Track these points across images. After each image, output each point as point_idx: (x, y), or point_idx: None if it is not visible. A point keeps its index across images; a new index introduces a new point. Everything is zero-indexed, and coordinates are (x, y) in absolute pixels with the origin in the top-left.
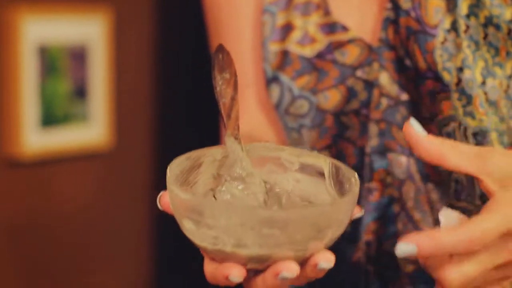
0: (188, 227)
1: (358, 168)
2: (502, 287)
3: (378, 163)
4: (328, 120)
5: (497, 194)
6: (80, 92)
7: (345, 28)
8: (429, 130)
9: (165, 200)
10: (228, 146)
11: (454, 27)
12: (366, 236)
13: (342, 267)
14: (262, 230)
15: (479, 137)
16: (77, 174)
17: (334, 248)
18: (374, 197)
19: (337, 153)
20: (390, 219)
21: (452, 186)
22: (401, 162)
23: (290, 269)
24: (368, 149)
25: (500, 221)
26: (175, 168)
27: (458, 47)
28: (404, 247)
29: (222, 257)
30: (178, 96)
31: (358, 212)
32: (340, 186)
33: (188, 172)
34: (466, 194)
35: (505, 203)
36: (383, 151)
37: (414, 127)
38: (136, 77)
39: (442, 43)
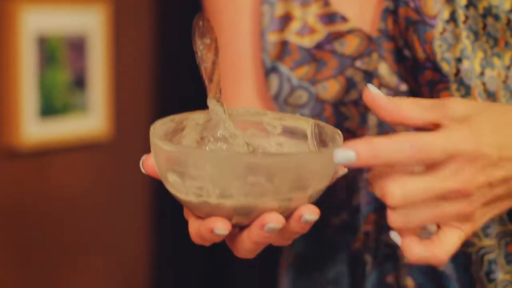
0: (172, 181)
1: None
2: (464, 232)
3: None
4: (327, 110)
5: (451, 125)
6: (79, 83)
7: (344, 19)
8: None
9: (148, 163)
10: (211, 108)
11: (453, 18)
12: (365, 226)
13: (341, 257)
14: (247, 178)
15: None
16: (76, 165)
17: (333, 237)
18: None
19: None
20: None
21: None
22: None
23: (276, 220)
24: None
25: (448, 139)
26: (158, 128)
27: (457, 38)
28: (342, 154)
29: (207, 211)
30: (177, 87)
31: (341, 170)
32: (323, 145)
33: (172, 135)
34: None
35: (456, 129)
36: None
37: (371, 90)
38: (135, 67)
39: (441, 33)
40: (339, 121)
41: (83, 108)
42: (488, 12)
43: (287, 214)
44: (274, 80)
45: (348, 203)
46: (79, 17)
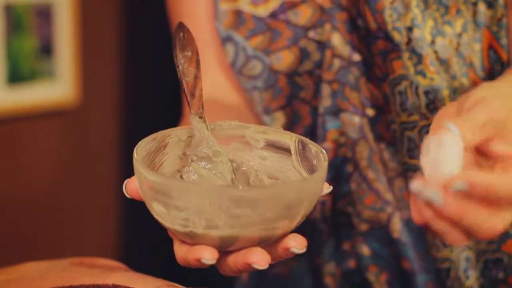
0: (157, 210)
1: (313, 128)
2: None
3: (331, 123)
4: (281, 80)
5: None
6: (46, 49)
7: None
8: (381, 89)
9: (131, 186)
10: (193, 125)
11: None
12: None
13: (298, 226)
14: (232, 211)
15: (431, 95)
16: (43, 131)
17: None
18: (328, 157)
19: (292, 114)
20: (344, 178)
21: (406, 144)
22: (354, 122)
23: (262, 262)
24: (321, 110)
25: None
26: (141, 150)
27: (407, 7)
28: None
29: (193, 240)
30: (145, 52)
31: (326, 188)
32: (307, 162)
33: (154, 154)
34: (419, 151)
35: None
36: (336, 111)
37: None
38: (102, 33)
39: (391, 3)
40: (294, 91)
41: (50, 75)
42: None
43: (274, 240)
44: (230, 49)
45: None
46: None
